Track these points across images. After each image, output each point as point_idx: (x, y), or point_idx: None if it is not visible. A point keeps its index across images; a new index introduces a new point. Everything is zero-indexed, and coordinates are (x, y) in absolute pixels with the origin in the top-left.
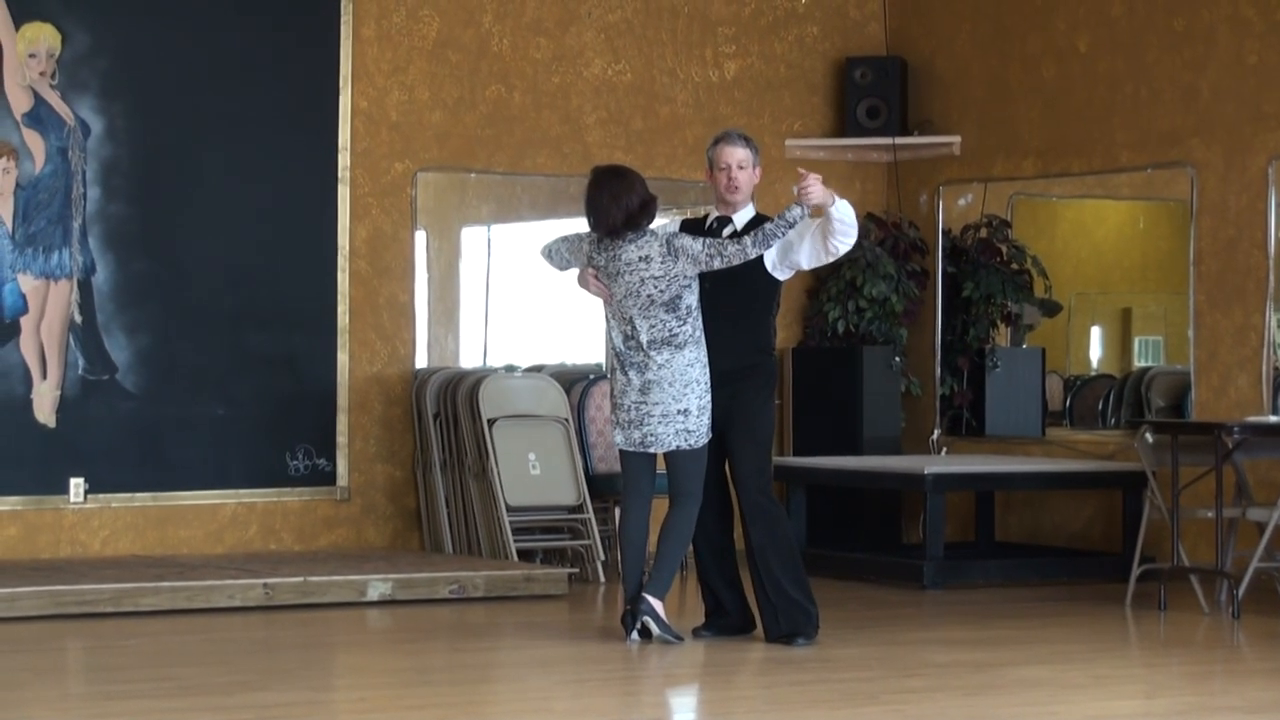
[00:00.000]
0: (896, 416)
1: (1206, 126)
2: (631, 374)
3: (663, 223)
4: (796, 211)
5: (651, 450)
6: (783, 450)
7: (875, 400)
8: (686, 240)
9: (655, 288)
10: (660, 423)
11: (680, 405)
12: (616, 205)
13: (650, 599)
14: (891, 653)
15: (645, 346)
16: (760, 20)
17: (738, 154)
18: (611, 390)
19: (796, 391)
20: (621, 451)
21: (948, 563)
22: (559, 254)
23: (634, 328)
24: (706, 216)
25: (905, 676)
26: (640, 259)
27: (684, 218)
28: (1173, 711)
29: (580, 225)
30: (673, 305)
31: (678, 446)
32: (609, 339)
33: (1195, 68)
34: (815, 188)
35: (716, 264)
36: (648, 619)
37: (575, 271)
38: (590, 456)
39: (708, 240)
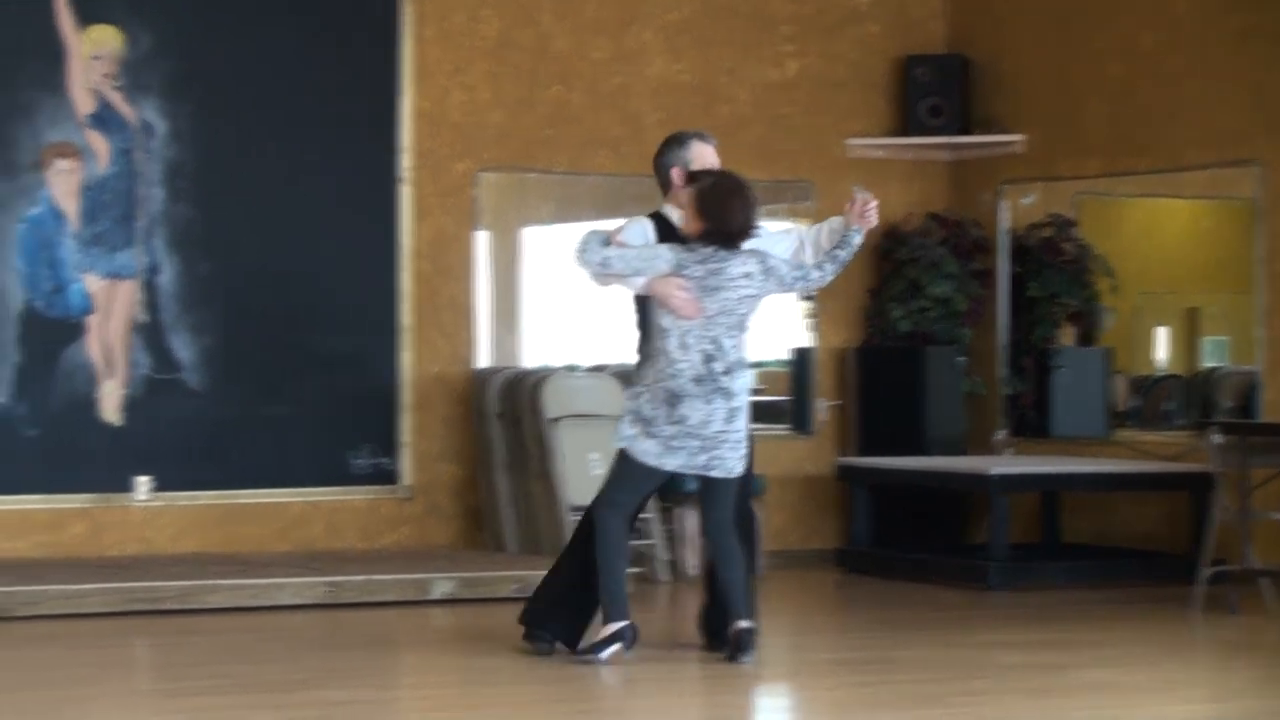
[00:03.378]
0: (960, 417)
1: (1273, 124)
2: (718, 400)
3: (620, 222)
4: (859, 238)
5: (714, 475)
6: (846, 450)
7: (939, 400)
8: (776, 260)
9: (747, 307)
10: (732, 449)
11: (747, 430)
12: (746, 215)
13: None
14: (956, 655)
15: (731, 369)
16: (821, 19)
17: (712, 153)
18: (673, 417)
19: (860, 391)
20: (655, 469)
21: (1013, 564)
22: (626, 261)
23: (719, 348)
24: (658, 214)
25: (970, 679)
26: (743, 275)
27: (651, 213)
28: (1240, 716)
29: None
30: (747, 326)
31: (739, 473)
32: (669, 358)
33: (1262, 65)
34: (875, 214)
35: (798, 288)
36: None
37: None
38: None
39: (790, 262)
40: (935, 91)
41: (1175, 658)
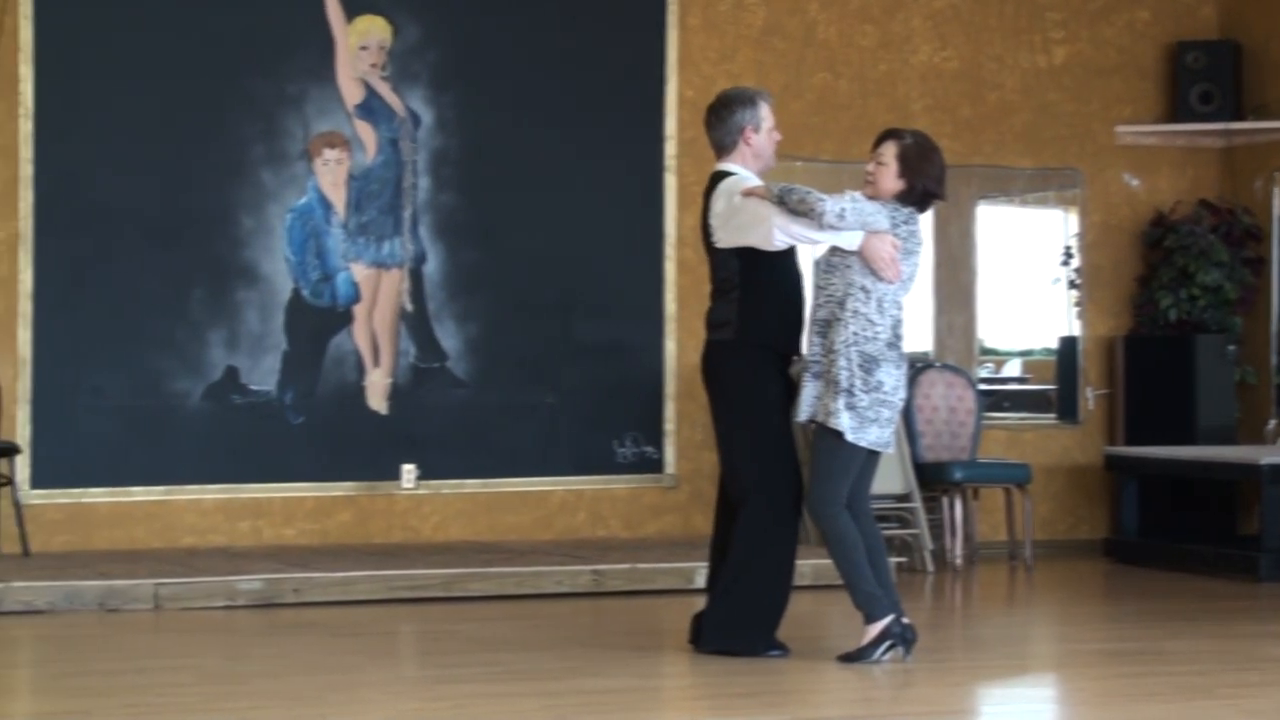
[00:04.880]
0: (1231, 406)
1: None
2: (903, 367)
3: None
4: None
5: (890, 450)
6: (1114, 440)
7: (1209, 389)
8: None
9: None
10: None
11: None
12: (944, 174)
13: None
14: (1226, 646)
15: (903, 338)
16: (1090, 5)
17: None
18: (869, 383)
19: (1128, 380)
20: (863, 451)
21: None
22: (860, 214)
23: (902, 313)
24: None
25: (1241, 670)
26: (920, 241)
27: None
28: None
29: None
30: None
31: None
32: (868, 320)
33: None
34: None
35: None
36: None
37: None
38: (918, 445)
39: None
40: (1206, 77)
41: None
